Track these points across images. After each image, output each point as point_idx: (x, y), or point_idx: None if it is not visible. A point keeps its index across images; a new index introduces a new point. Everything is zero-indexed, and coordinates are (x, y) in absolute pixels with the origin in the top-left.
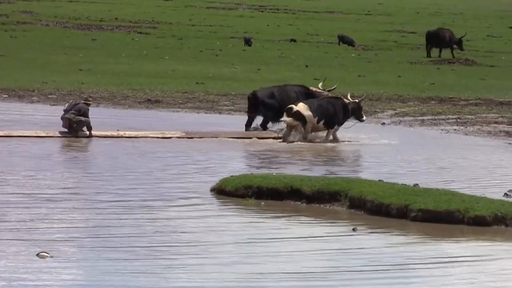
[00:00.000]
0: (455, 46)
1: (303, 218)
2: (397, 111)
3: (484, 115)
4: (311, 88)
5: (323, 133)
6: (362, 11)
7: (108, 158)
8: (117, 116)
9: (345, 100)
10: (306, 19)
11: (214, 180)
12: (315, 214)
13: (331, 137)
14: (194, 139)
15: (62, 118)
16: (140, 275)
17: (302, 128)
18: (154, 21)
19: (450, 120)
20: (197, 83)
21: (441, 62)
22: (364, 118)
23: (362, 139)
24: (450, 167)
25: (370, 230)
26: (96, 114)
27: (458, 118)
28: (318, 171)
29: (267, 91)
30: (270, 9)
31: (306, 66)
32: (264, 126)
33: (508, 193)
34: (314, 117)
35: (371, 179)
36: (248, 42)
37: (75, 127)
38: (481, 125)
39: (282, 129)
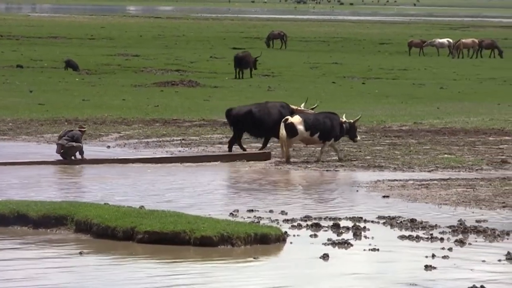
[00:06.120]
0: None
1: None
2: (121, 134)
3: (209, 135)
4: (292, 106)
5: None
6: (85, 36)
7: None
8: None
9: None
10: (29, 45)
11: None
12: (40, 239)
13: (326, 149)
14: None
15: (56, 144)
16: None
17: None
18: None
19: (175, 142)
20: None
21: (165, 84)
22: (358, 138)
23: None
24: (174, 189)
25: (96, 253)
26: None
27: (183, 139)
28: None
29: (244, 109)
30: None
31: (30, 91)
32: (230, 146)
33: (233, 212)
34: (307, 131)
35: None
36: None
37: (68, 152)
38: (206, 146)
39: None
